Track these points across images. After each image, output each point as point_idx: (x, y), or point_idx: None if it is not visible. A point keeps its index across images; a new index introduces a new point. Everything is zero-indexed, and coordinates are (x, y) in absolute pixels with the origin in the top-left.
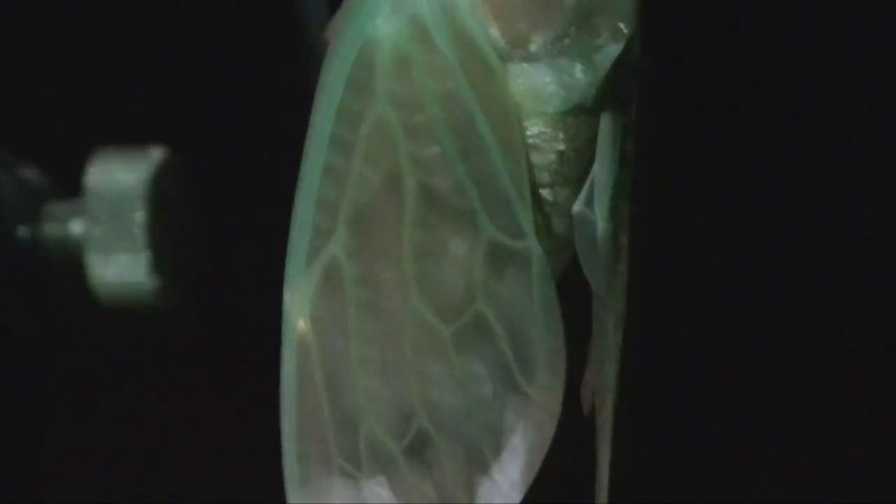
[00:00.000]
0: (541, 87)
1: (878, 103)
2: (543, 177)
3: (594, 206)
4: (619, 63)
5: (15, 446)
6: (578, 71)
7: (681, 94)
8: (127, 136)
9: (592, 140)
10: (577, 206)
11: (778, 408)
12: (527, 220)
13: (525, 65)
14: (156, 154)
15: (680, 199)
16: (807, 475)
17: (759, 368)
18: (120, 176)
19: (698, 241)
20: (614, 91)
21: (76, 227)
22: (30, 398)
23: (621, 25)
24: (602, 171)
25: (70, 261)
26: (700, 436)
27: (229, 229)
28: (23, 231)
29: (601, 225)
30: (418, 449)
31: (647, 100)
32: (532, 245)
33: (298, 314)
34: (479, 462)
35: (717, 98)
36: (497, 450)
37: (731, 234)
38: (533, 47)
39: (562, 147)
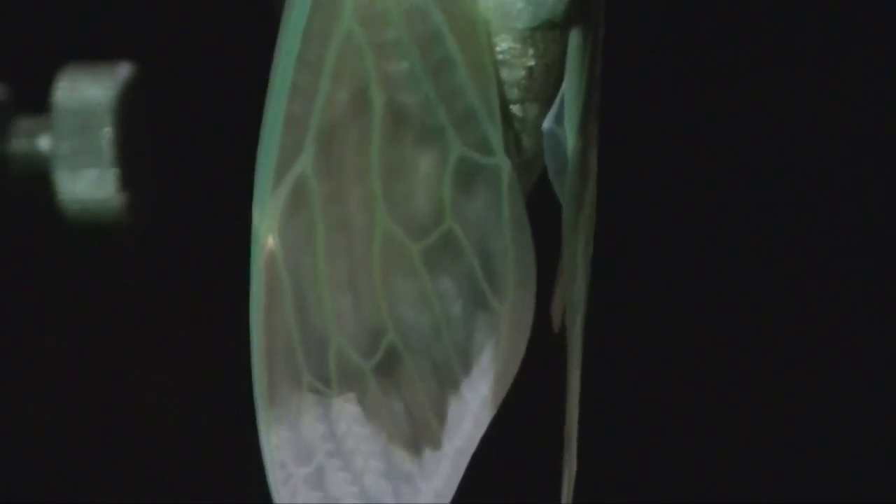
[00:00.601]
0: (509, 2)
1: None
2: (513, 93)
3: (564, 124)
4: None
5: None
6: None
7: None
8: (95, 53)
9: (562, 57)
10: (546, 123)
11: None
12: (496, 136)
13: None
14: (123, 70)
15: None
16: (788, 420)
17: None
18: (87, 92)
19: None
20: (582, 7)
21: (44, 143)
22: None
23: None
24: (571, 89)
25: (37, 177)
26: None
27: (196, 146)
28: None
29: (571, 142)
30: (388, 367)
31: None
32: (501, 161)
33: (267, 232)
34: (449, 380)
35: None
36: (467, 368)
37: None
38: None
39: (531, 63)
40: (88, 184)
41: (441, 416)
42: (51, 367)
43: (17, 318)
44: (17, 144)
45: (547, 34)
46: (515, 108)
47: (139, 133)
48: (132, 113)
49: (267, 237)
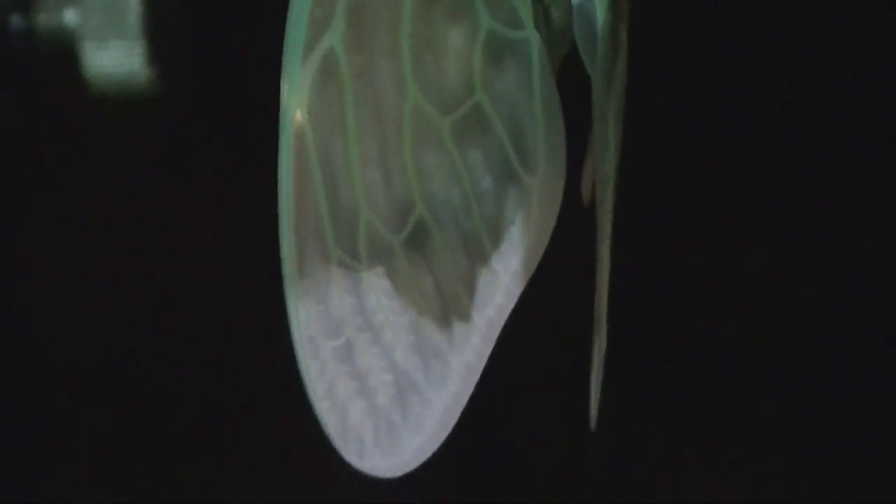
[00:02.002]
0: None
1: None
2: None
3: None
4: None
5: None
6: None
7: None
8: None
9: None
10: None
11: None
12: (525, 10)
13: None
14: None
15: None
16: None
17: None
18: None
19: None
20: None
21: (70, 17)
22: (18, 186)
23: None
24: None
25: (65, 51)
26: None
27: (225, 19)
28: (17, 21)
29: (601, 17)
30: (417, 241)
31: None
32: (531, 35)
33: (296, 107)
34: (478, 254)
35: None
36: (497, 242)
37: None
38: None
39: None
40: (115, 57)
41: (471, 290)
42: (79, 241)
43: (45, 192)
44: (45, 19)
45: None
46: None
47: (166, 6)
48: None
49: (296, 112)
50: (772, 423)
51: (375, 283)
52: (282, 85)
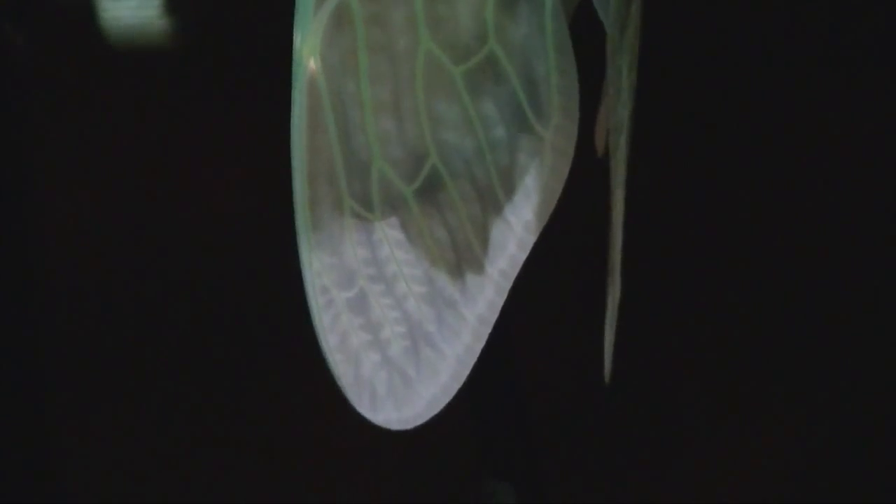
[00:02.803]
0: None
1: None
2: None
3: None
4: None
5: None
6: None
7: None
8: None
9: None
10: None
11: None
12: None
13: None
14: None
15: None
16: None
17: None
18: None
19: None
20: None
21: None
22: (35, 129)
23: None
24: None
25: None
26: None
27: None
28: None
29: None
30: (430, 191)
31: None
32: None
33: (308, 55)
34: (491, 203)
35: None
36: (510, 191)
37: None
38: None
39: None
40: (131, 7)
41: (484, 240)
42: (95, 181)
43: (58, 138)
44: None
45: None
46: None
47: None
48: None
49: (309, 60)
50: (784, 375)
51: (388, 234)
52: (294, 33)
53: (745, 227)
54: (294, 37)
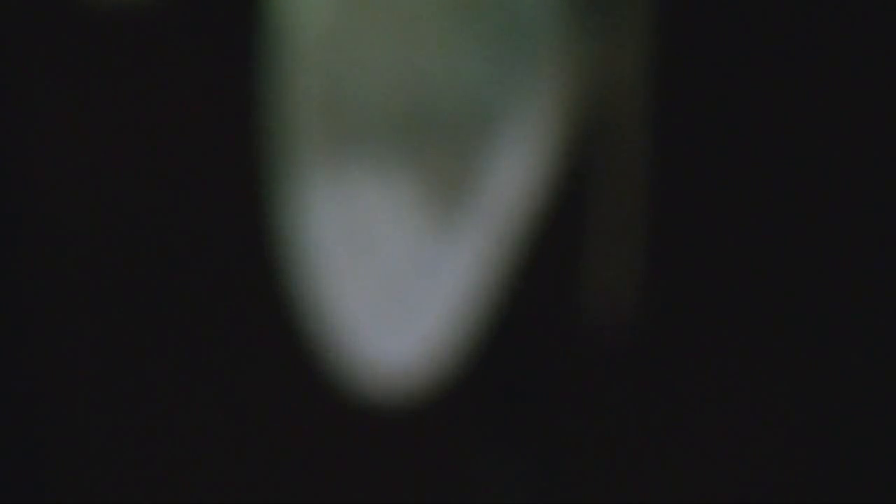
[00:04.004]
0: None
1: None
2: None
3: None
4: None
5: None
6: None
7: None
8: None
9: None
10: None
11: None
12: None
13: None
14: None
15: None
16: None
17: None
18: None
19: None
20: None
21: None
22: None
23: None
24: None
25: None
26: None
27: None
28: None
29: None
30: (414, 135)
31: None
32: None
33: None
34: (478, 147)
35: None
36: (497, 136)
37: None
38: None
39: None
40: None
41: (471, 183)
42: (81, 148)
43: (51, 101)
44: None
45: None
46: None
47: None
48: None
49: (292, 8)
50: (784, 375)
51: (374, 179)
52: None
53: (745, 226)
54: None
